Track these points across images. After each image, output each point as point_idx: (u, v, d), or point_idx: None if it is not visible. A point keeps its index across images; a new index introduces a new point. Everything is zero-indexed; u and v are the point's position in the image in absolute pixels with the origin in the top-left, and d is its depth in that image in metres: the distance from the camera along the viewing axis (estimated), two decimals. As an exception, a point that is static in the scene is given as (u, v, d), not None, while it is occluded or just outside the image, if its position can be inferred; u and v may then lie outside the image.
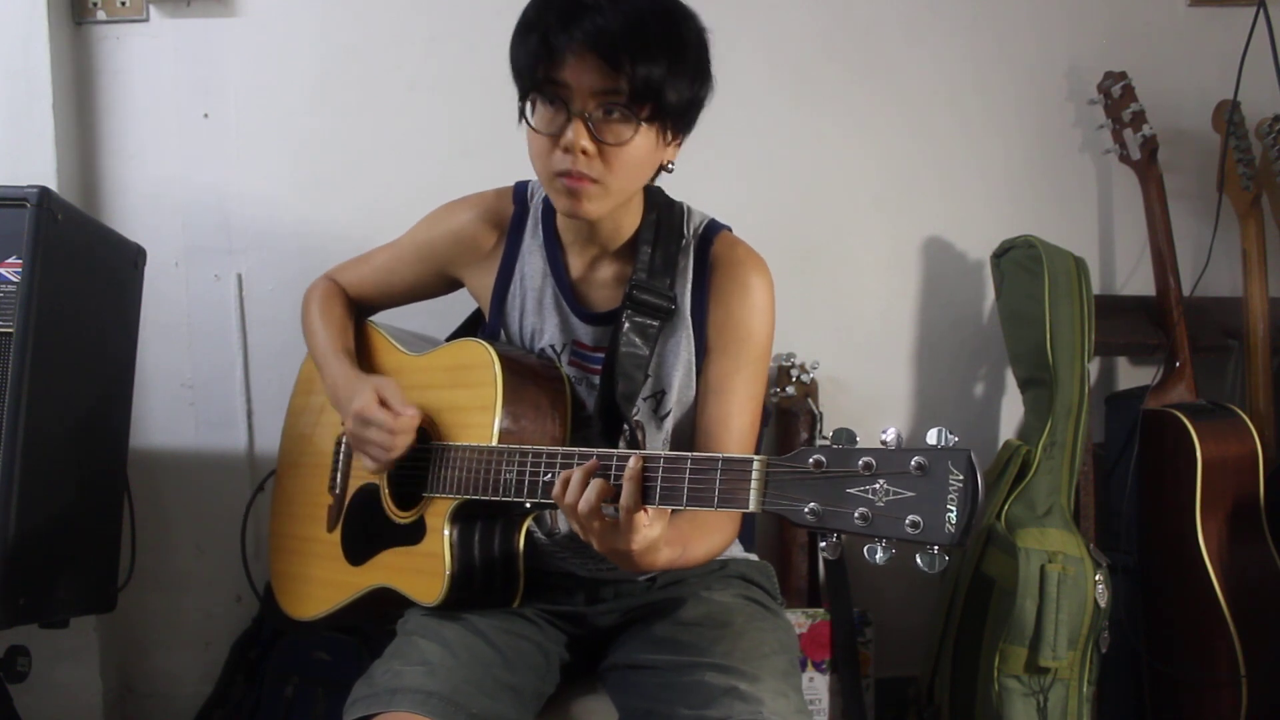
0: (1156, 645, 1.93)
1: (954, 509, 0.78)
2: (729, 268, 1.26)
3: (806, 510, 0.86)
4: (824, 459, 0.86)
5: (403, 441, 1.23)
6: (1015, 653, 1.76)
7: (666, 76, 1.10)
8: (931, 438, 0.81)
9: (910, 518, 0.80)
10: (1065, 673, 1.78)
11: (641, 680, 1.22)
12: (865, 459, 0.83)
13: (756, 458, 0.91)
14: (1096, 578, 1.77)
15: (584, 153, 1.12)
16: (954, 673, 1.89)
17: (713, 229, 1.30)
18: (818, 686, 1.87)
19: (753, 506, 0.91)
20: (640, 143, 1.14)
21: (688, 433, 1.29)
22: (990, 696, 1.78)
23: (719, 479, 0.94)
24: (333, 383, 1.36)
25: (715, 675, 1.14)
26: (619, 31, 1.07)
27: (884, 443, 0.84)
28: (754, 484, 0.91)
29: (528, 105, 1.16)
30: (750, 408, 1.26)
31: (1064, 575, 1.74)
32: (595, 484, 1.01)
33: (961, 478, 0.78)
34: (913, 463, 0.80)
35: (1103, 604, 1.77)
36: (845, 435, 0.86)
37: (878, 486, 0.82)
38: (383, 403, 1.24)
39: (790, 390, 1.96)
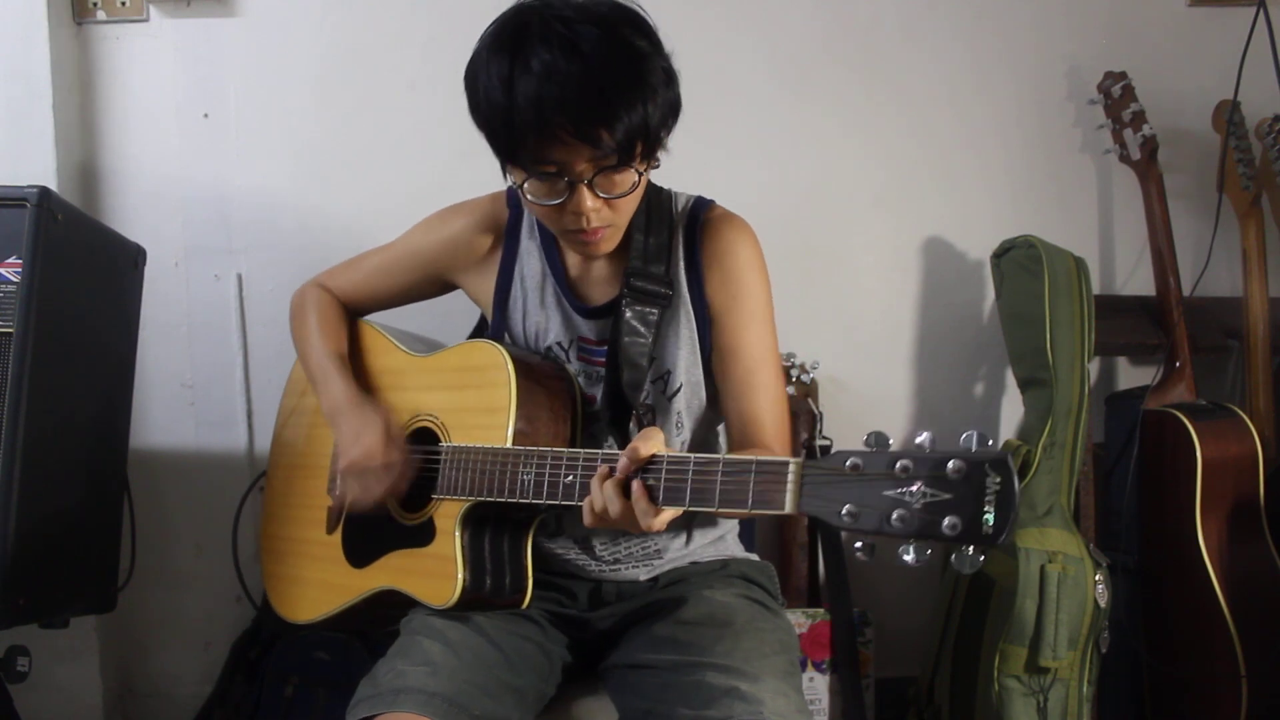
0: (1156, 645, 1.94)
1: (991, 510, 0.79)
2: (715, 232, 1.27)
3: (843, 512, 0.86)
4: (860, 461, 0.86)
5: (403, 482, 1.26)
6: (1015, 653, 1.77)
7: (645, 117, 1.08)
8: (966, 441, 0.82)
9: (948, 520, 0.80)
10: (1065, 673, 1.78)
11: (642, 680, 1.22)
12: (902, 462, 0.83)
13: (792, 460, 0.92)
14: (1096, 578, 1.77)
15: (594, 210, 1.14)
16: (954, 673, 1.90)
17: (699, 205, 1.31)
18: (818, 686, 1.87)
19: (789, 508, 0.91)
20: (641, 180, 1.15)
21: (698, 409, 1.30)
22: (990, 696, 1.78)
23: (753, 481, 0.94)
24: (333, 403, 1.35)
25: (716, 675, 1.14)
26: (582, 102, 1.05)
27: (919, 445, 0.84)
28: (790, 486, 0.91)
29: (510, 172, 1.16)
30: (768, 362, 1.26)
31: (1064, 575, 1.74)
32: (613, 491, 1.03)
33: (999, 480, 0.79)
34: (950, 465, 0.81)
35: (1103, 604, 1.78)
36: (880, 438, 0.87)
37: (915, 489, 0.82)
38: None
39: (790, 390, 1.95)
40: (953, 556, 0.82)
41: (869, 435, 0.87)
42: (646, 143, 1.11)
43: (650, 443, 1.03)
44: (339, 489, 1.36)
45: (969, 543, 0.80)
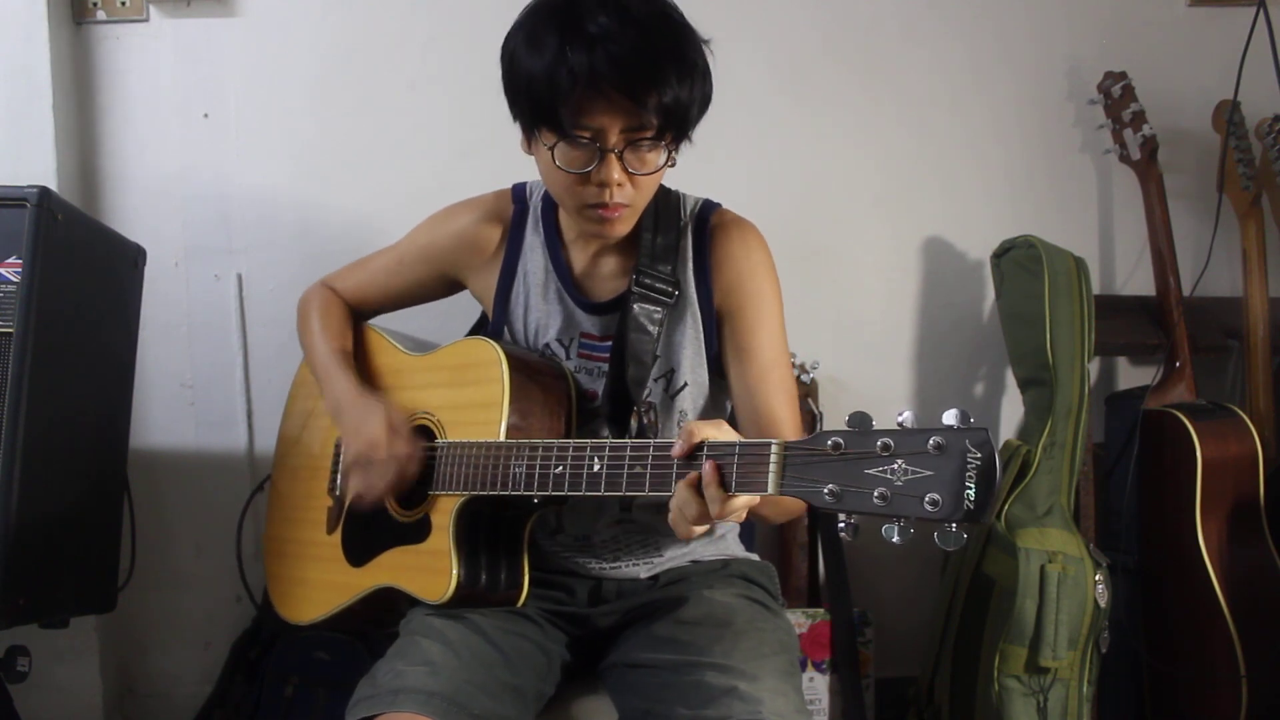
0: (1156, 645, 1.93)
1: (973, 486, 0.79)
2: (725, 235, 1.29)
3: (825, 491, 0.86)
4: (842, 441, 0.86)
5: (409, 474, 1.26)
6: (1015, 653, 1.76)
7: (690, 97, 1.13)
8: (948, 418, 0.82)
9: (929, 496, 0.81)
10: (1065, 673, 1.78)
11: (641, 680, 1.22)
12: (883, 440, 0.84)
13: (774, 441, 0.92)
14: (1096, 578, 1.77)
15: (618, 185, 1.15)
16: (954, 673, 1.89)
17: (707, 208, 1.32)
18: (818, 686, 1.86)
19: (771, 489, 0.91)
20: (667, 161, 1.18)
21: (703, 407, 1.31)
22: (990, 696, 1.78)
23: (736, 464, 0.95)
24: (336, 399, 1.35)
25: (715, 675, 1.14)
26: (637, 63, 1.08)
27: (900, 424, 0.85)
28: (772, 467, 0.91)
29: (538, 139, 1.17)
30: (782, 361, 1.28)
31: (1064, 575, 1.74)
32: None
33: (979, 456, 0.79)
34: (930, 442, 0.81)
35: (1103, 604, 1.77)
36: (862, 419, 0.87)
37: (896, 466, 0.83)
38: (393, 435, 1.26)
39: (790, 390, 1.95)
40: (935, 534, 0.82)
41: (851, 415, 0.87)
42: (681, 124, 1.15)
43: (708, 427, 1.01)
44: (341, 485, 1.36)
45: (951, 520, 0.80)
